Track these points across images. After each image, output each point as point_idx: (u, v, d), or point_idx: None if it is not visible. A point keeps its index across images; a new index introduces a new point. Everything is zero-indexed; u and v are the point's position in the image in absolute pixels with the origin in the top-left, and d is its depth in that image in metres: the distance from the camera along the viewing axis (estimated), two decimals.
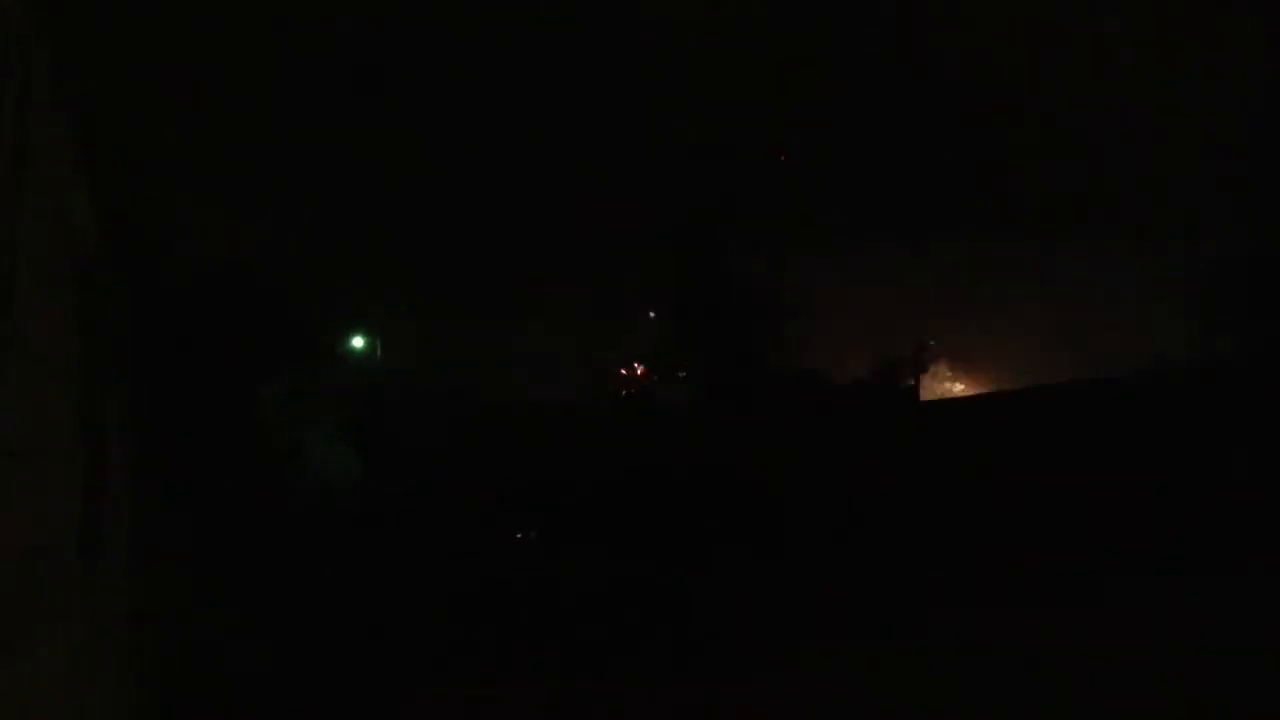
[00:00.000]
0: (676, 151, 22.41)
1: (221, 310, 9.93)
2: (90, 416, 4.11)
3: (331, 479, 13.57)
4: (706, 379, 21.07)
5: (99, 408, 4.36)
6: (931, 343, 23.91)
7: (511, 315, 20.21)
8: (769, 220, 24.11)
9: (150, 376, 6.73)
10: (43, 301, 3.11)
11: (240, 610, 8.53)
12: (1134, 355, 17.29)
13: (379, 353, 17.49)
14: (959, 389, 26.68)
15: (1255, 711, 6.81)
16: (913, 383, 22.43)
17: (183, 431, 8.35)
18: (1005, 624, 9.22)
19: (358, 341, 17.18)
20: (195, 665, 7.43)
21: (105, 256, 4.74)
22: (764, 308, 21.82)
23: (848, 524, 13.11)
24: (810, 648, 8.89)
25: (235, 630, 8.25)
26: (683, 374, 22.40)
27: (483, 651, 8.91)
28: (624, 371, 23.37)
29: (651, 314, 23.88)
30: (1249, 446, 12.11)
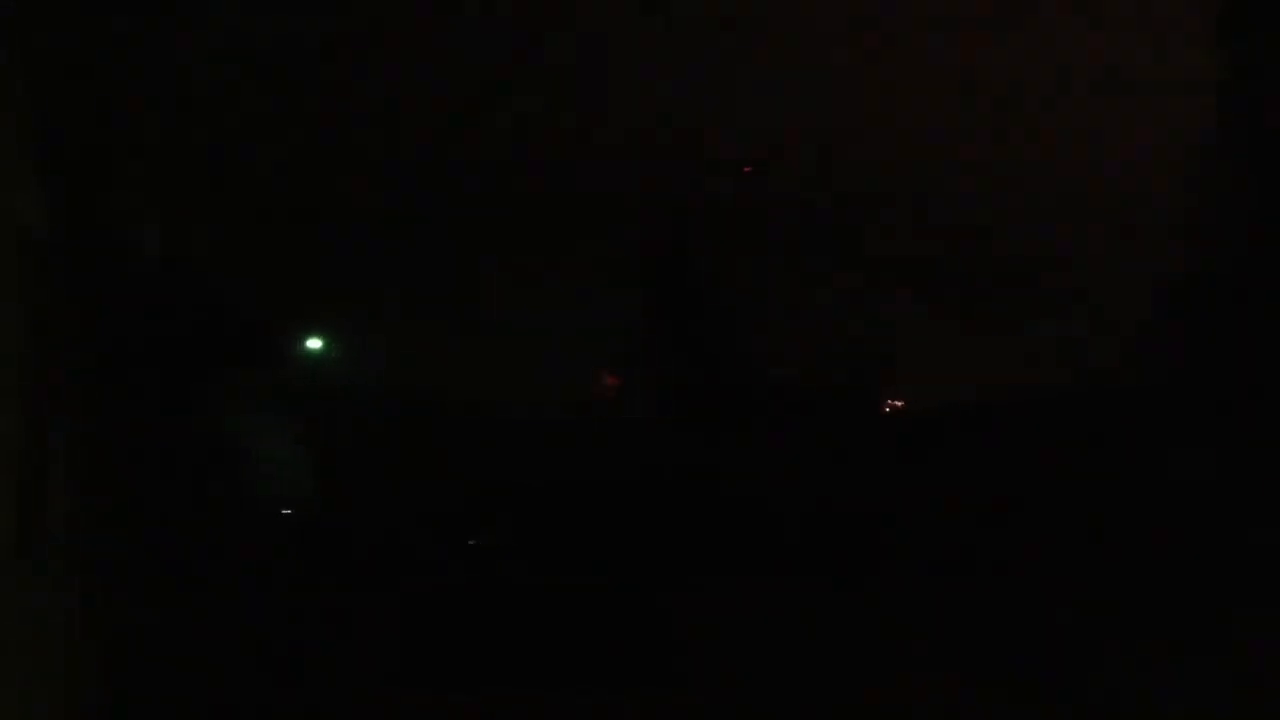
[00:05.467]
0: (650, 159, 22.49)
1: (169, 310, 9.85)
2: (35, 418, 4.10)
3: (283, 481, 13.48)
4: (676, 388, 21.08)
5: (44, 409, 4.35)
6: (882, 364, 24.04)
7: (483, 318, 20.15)
8: (738, 232, 24.17)
9: (98, 377, 6.69)
10: None
11: (185, 612, 8.48)
12: (1073, 373, 17.55)
13: (335, 355, 17.36)
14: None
15: None
16: (877, 397, 22.60)
17: (128, 433, 8.27)
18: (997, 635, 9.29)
19: (314, 344, 17.04)
20: (143, 665, 7.38)
21: (56, 257, 4.72)
22: (735, 318, 21.89)
23: (821, 537, 13.16)
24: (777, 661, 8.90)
25: (180, 632, 8.19)
26: (651, 383, 22.39)
27: (438, 658, 8.88)
28: (599, 379, 23.30)
29: (622, 322, 23.81)
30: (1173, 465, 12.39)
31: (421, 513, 13.70)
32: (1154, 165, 17.38)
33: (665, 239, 21.59)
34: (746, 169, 24.30)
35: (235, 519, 11.84)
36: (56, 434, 4.76)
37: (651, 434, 18.44)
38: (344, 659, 8.76)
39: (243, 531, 11.68)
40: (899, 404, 25.59)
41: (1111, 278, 17.95)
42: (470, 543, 13.61)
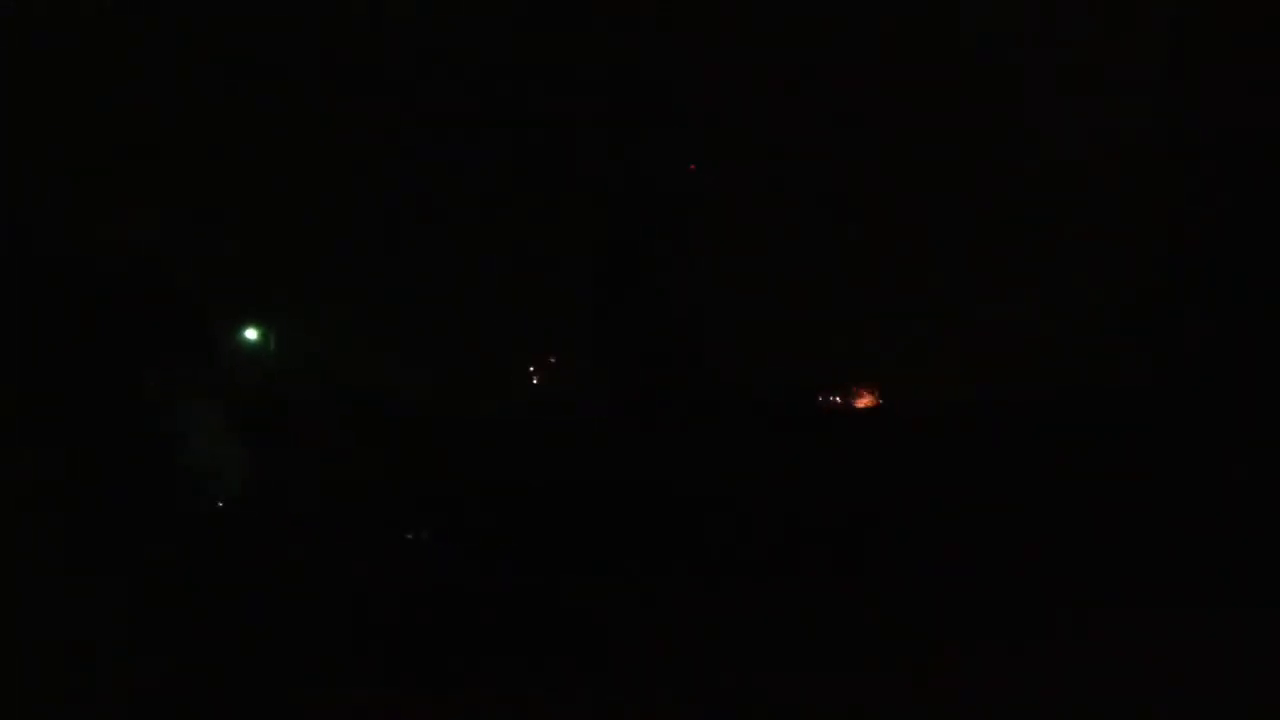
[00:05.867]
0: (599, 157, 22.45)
1: (95, 298, 9.67)
2: None
3: (218, 472, 13.30)
4: (624, 389, 21.09)
5: None
6: (845, 374, 24.23)
7: (427, 310, 19.97)
8: (691, 231, 24.21)
9: (28, 365, 6.56)
10: None
11: (117, 602, 8.36)
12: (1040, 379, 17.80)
13: (272, 346, 17.14)
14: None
15: None
16: (833, 400, 22.81)
17: (60, 421, 8.12)
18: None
19: (251, 334, 16.81)
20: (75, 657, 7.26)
21: None
22: (684, 320, 21.94)
23: (766, 542, 13.22)
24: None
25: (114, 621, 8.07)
26: (599, 379, 22.36)
27: (371, 655, 8.79)
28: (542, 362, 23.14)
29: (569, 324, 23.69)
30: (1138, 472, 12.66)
31: (358, 505, 13.58)
32: (1122, 166, 17.71)
33: (616, 235, 21.59)
34: (691, 167, 24.40)
35: (168, 510, 11.67)
36: None
37: (598, 430, 18.47)
38: (275, 651, 8.65)
39: (176, 522, 11.52)
40: (870, 401, 25.81)
41: (1080, 280, 18.25)
42: (408, 536, 13.52)
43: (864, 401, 26.10)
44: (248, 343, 16.48)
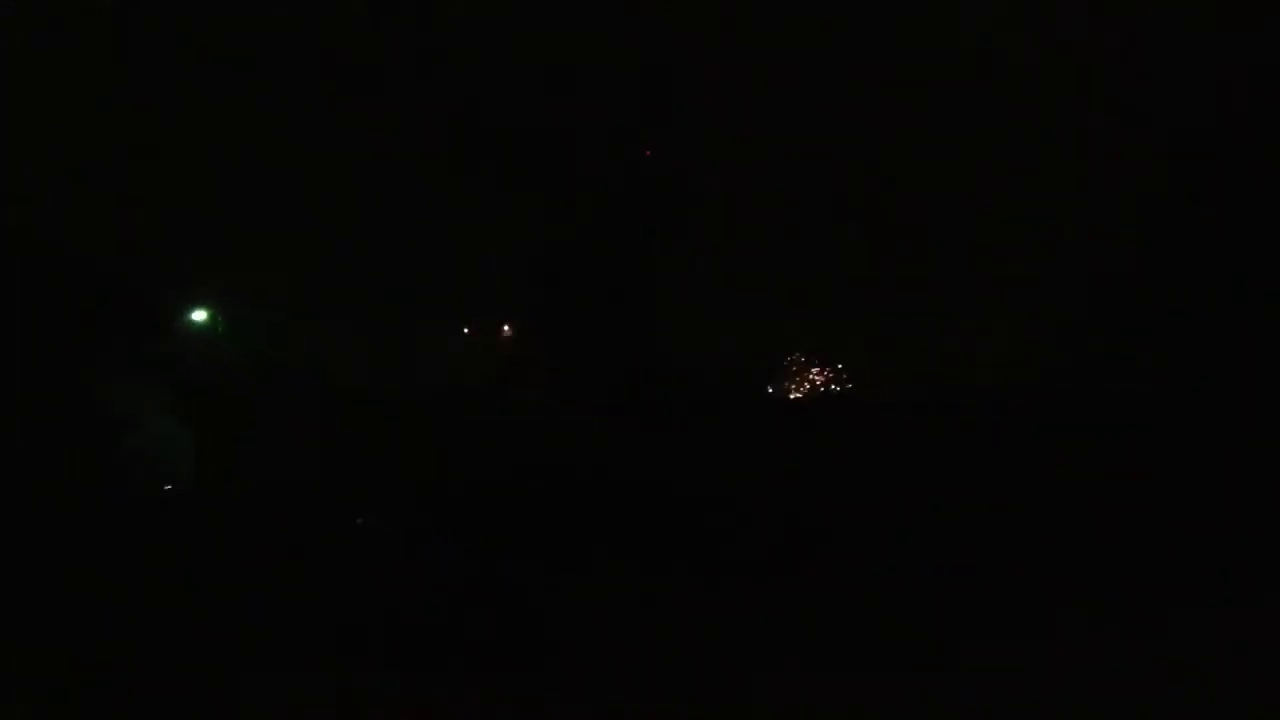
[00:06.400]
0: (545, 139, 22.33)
1: (47, 281, 9.52)
2: None
3: (167, 455, 13.19)
4: (574, 374, 21.06)
5: None
6: (800, 356, 24.38)
7: (386, 294, 19.82)
8: (643, 213, 24.18)
9: None
10: None
11: (63, 586, 8.27)
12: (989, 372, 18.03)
13: (221, 329, 16.95)
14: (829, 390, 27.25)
15: None
16: (785, 386, 22.94)
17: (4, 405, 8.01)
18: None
19: (198, 315, 16.61)
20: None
21: None
22: (636, 304, 21.92)
23: (716, 528, 13.27)
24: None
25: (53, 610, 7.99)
26: (549, 367, 22.30)
27: (316, 638, 8.74)
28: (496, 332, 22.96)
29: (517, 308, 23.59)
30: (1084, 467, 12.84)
31: (307, 490, 13.50)
32: (1079, 166, 17.93)
33: (578, 221, 21.53)
34: (647, 151, 24.38)
35: (115, 493, 11.54)
36: None
37: (554, 417, 18.47)
38: (222, 636, 8.60)
39: (122, 506, 11.39)
40: (843, 388, 25.93)
41: (1036, 276, 18.48)
42: (358, 521, 13.45)
43: (825, 391, 26.25)
44: (196, 324, 16.29)
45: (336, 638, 8.78)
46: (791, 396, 23.80)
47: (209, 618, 8.92)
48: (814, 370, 26.43)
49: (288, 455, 14.46)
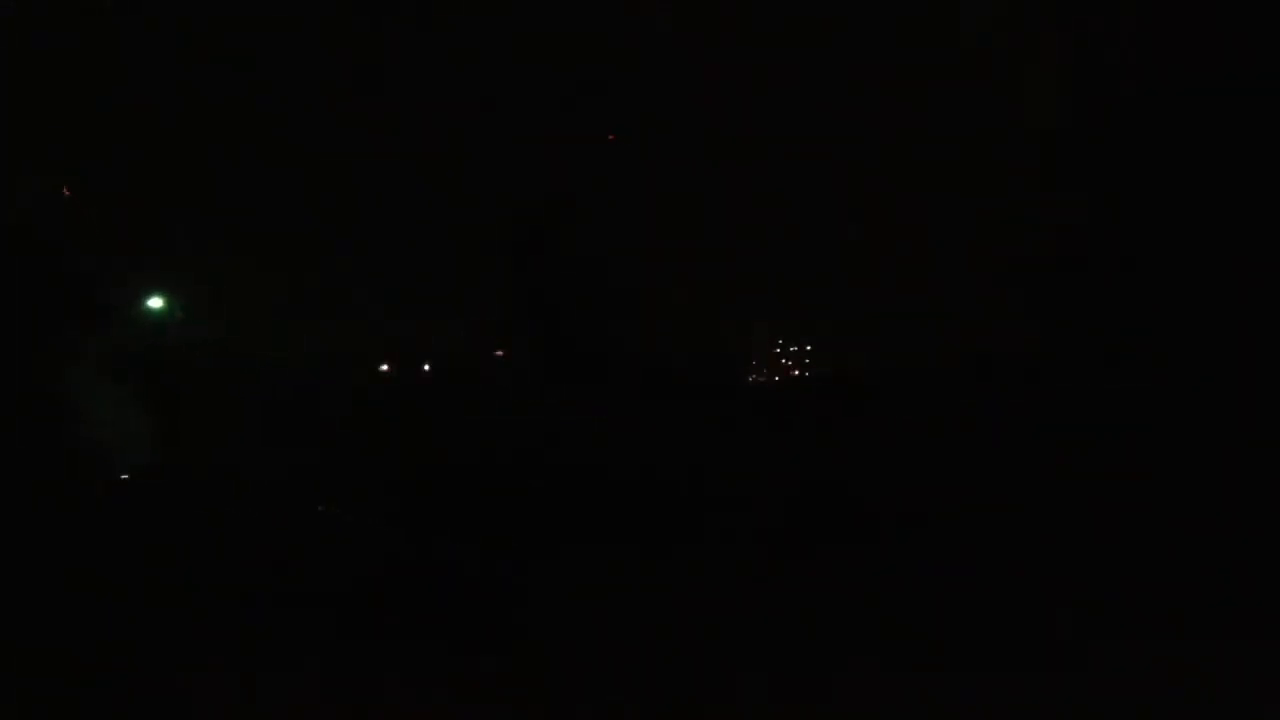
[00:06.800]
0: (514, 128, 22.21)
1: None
2: None
3: (121, 443, 12.99)
4: (540, 359, 20.99)
5: None
6: (769, 332, 24.45)
7: (341, 281, 19.62)
8: (608, 200, 24.12)
9: None
10: None
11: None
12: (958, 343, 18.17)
13: (178, 315, 16.71)
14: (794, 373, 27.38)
15: None
16: (749, 366, 22.99)
17: None
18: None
19: (155, 302, 16.36)
20: None
21: None
22: (601, 288, 21.87)
23: (681, 512, 13.26)
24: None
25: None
26: (506, 351, 22.21)
27: (275, 628, 8.63)
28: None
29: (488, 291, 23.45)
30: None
31: (266, 478, 13.36)
32: (1003, 151, 18.07)
33: (535, 208, 21.42)
34: (611, 136, 24.29)
35: (72, 483, 11.36)
36: None
37: (513, 403, 18.42)
38: (180, 626, 8.48)
39: (80, 496, 11.22)
40: (793, 371, 26.03)
41: (962, 259, 18.62)
42: (319, 509, 13.32)
43: (779, 373, 26.38)
44: (151, 311, 16.05)
45: (298, 628, 8.69)
46: (758, 380, 23.89)
47: (165, 609, 8.79)
48: (785, 354, 26.52)
49: (247, 443, 14.31)
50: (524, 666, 7.98)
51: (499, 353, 21.64)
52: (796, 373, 26.09)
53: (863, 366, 20.83)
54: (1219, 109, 13.98)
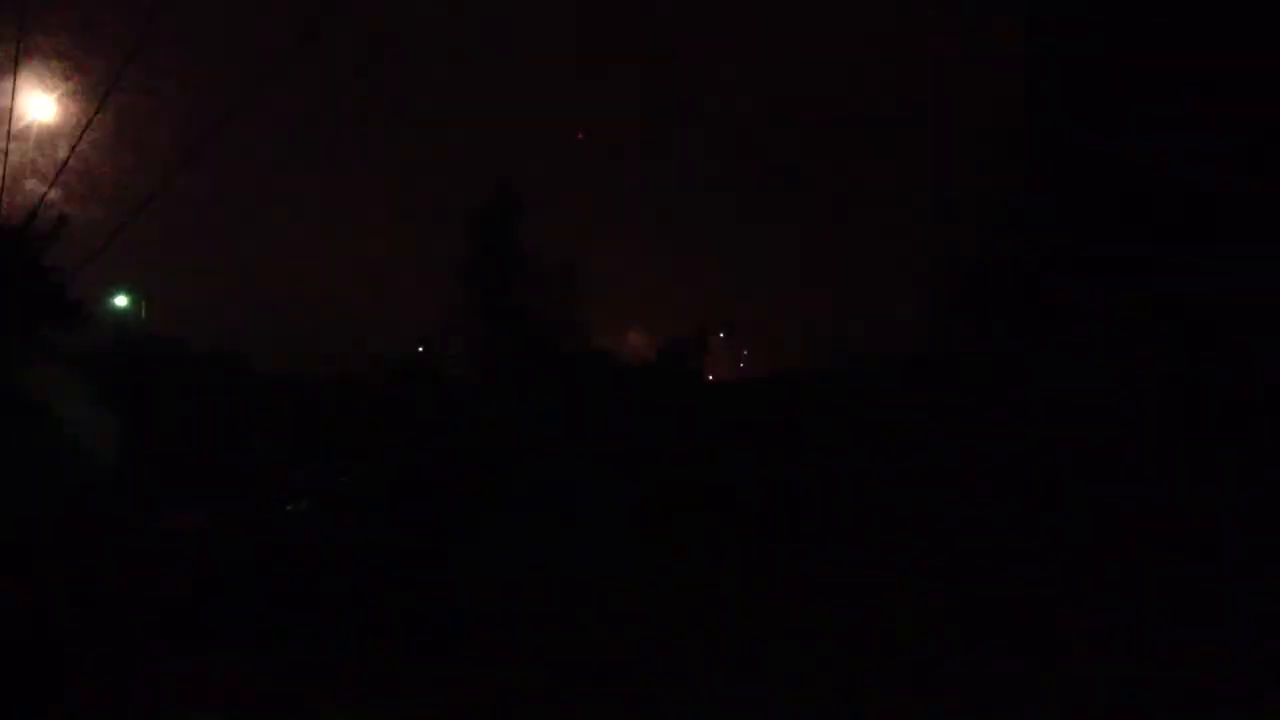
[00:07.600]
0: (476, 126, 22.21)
1: None
2: None
3: (87, 443, 12.92)
4: (492, 358, 21.04)
5: None
6: (721, 332, 24.61)
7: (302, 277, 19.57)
8: (562, 199, 24.23)
9: None
10: None
11: None
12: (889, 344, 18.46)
13: (144, 314, 16.66)
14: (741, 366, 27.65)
15: None
16: (698, 364, 23.17)
17: None
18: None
19: (120, 301, 16.30)
20: None
21: None
22: (554, 288, 21.96)
23: (631, 503, 13.38)
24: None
25: None
26: (462, 352, 22.22)
27: (238, 619, 8.64)
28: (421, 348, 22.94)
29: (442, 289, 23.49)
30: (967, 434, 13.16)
31: (232, 476, 13.36)
32: (956, 151, 18.37)
33: (491, 204, 21.47)
34: (579, 134, 24.37)
35: (38, 482, 11.32)
36: None
37: (468, 398, 18.48)
38: (148, 620, 8.50)
39: (47, 494, 11.18)
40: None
41: (912, 257, 18.90)
42: (287, 508, 13.32)
43: (720, 367, 26.50)
44: (118, 310, 15.97)
45: (265, 620, 8.73)
46: (711, 376, 24.08)
47: (129, 603, 8.82)
48: (738, 356, 26.67)
49: (212, 442, 14.30)
50: (475, 662, 8.09)
51: (449, 351, 21.72)
52: (744, 369, 26.29)
53: (808, 367, 21.16)
54: (1160, 111, 14.28)
